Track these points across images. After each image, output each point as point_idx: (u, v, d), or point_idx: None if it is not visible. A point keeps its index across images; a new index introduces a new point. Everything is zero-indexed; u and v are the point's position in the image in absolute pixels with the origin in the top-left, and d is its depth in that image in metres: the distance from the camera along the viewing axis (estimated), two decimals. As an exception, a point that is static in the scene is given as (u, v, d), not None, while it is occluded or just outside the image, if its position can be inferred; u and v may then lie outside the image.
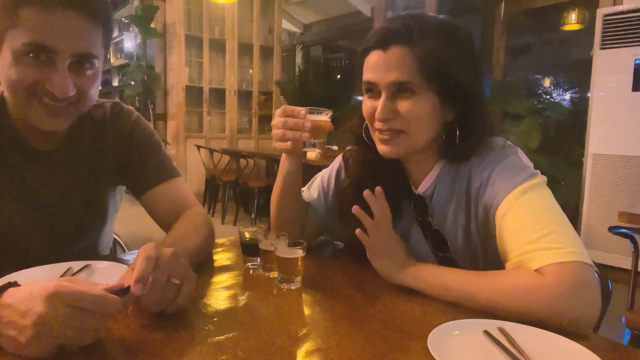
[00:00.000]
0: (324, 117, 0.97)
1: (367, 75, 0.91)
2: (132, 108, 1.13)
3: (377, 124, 0.91)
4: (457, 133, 0.90)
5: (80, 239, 1.08)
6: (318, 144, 0.98)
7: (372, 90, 0.92)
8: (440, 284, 0.81)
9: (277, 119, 0.96)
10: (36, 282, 0.59)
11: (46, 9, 0.79)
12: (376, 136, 0.94)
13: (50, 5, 0.79)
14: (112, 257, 1.19)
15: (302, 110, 0.94)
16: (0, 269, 0.82)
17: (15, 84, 0.84)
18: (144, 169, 1.08)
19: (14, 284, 0.61)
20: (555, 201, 0.84)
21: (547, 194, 0.84)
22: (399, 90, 0.88)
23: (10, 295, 0.58)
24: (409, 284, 0.85)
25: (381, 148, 0.93)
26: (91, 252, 1.11)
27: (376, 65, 0.89)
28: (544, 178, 0.87)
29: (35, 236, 1.01)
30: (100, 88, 0.97)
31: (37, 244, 1.01)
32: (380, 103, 0.88)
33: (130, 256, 1.09)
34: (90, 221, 1.09)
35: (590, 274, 0.73)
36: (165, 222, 1.06)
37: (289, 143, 0.94)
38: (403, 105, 0.88)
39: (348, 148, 1.11)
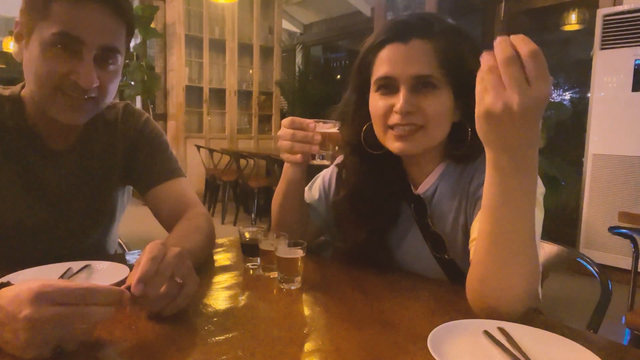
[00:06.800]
0: (334, 129, 0.95)
1: (384, 69, 0.88)
2: (143, 110, 1.17)
3: (394, 119, 0.88)
4: (469, 132, 0.88)
5: (88, 236, 1.10)
6: (327, 155, 0.95)
7: (388, 85, 0.89)
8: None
9: (284, 131, 0.92)
10: (23, 283, 0.57)
11: (77, 2, 0.84)
12: (389, 134, 0.91)
13: None
14: (117, 256, 1.19)
15: (310, 122, 0.92)
16: (12, 264, 0.83)
17: (43, 76, 0.87)
18: (150, 167, 1.10)
19: (7, 284, 0.60)
20: (538, 220, 0.76)
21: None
22: (420, 84, 0.86)
23: (1, 296, 0.57)
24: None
25: (396, 145, 0.89)
26: (99, 250, 1.14)
27: (395, 59, 0.87)
28: (541, 190, 0.84)
29: (45, 232, 1.03)
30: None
31: (46, 239, 1.03)
32: (401, 96, 0.86)
33: (130, 256, 1.09)
34: (99, 219, 1.11)
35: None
36: (168, 221, 1.07)
37: (298, 156, 0.92)
38: (424, 100, 0.86)
39: (341, 158, 1.09)
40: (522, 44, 0.58)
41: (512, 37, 0.59)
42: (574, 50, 4.87)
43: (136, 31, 6.24)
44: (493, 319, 0.69)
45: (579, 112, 3.94)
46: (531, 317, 0.73)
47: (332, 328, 0.72)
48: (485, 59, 0.60)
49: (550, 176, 3.30)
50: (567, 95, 4.65)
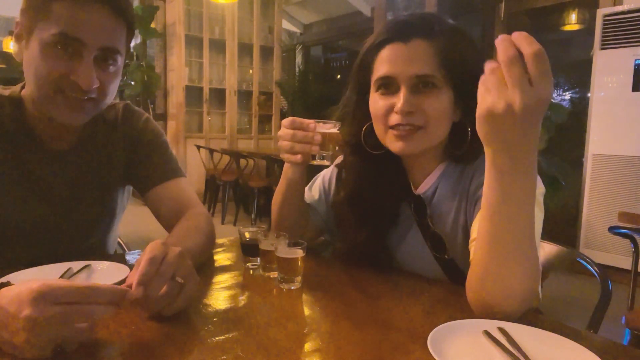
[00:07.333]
0: (334, 129, 0.95)
1: (384, 68, 0.88)
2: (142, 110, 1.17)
3: (395, 119, 0.88)
4: (469, 132, 0.88)
5: (88, 236, 1.10)
6: (328, 156, 0.95)
7: (388, 85, 0.89)
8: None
9: (285, 131, 0.92)
10: (23, 283, 0.57)
11: (77, 2, 0.85)
12: (389, 134, 0.91)
13: None
14: (117, 256, 1.19)
15: (311, 122, 0.92)
16: (12, 264, 0.84)
17: (43, 76, 0.87)
18: (149, 167, 1.10)
19: (7, 284, 0.60)
20: (538, 219, 0.76)
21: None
22: (420, 84, 0.86)
23: (1, 296, 0.57)
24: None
25: (396, 145, 0.90)
26: (99, 250, 1.14)
27: (396, 58, 0.87)
28: (541, 190, 0.84)
29: (45, 232, 1.03)
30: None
31: (46, 239, 1.03)
32: (402, 96, 0.86)
33: (130, 256, 1.09)
34: (99, 219, 1.12)
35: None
36: (168, 221, 1.07)
37: (298, 157, 0.92)
38: (425, 100, 0.86)
39: (341, 159, 1.09)
40: (526, 43, 0.57)
41: (515, 35, 0.58)
42: (574, 50, 4.87)
43: (136, 31, 6.27)
44: (493, 319, 0.69)
45: (579, 112, 3.94)
46: (531, 317, 0.73)
47: (332, 328, 0.72)
48: (488, 63, 0.60)
49: (550, 176, 3.30)
50: (567, 95, 4.64)
